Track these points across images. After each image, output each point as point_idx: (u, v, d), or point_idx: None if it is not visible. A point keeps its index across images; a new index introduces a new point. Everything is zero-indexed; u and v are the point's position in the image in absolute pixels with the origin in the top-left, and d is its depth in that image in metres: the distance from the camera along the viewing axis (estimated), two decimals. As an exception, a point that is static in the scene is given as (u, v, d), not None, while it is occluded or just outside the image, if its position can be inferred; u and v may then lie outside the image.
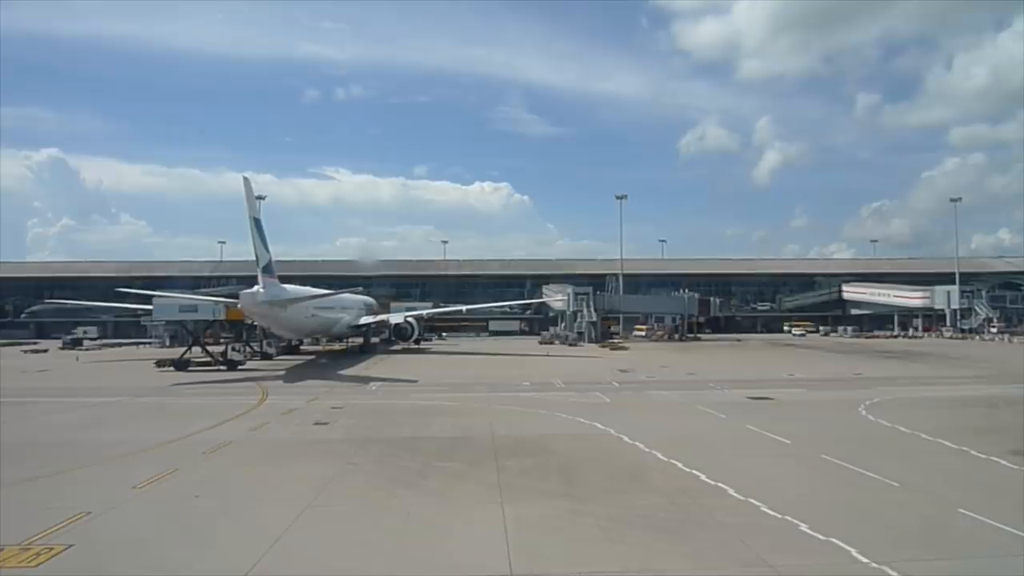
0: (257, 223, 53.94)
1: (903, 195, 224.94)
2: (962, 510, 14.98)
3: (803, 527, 13.90)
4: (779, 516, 14.64)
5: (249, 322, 58.05)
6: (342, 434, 25.64)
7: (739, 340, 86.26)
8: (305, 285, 65.93)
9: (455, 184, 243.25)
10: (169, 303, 56.14)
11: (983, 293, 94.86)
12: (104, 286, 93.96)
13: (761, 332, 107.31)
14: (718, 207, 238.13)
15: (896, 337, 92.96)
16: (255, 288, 52.45)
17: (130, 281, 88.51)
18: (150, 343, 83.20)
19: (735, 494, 16.41)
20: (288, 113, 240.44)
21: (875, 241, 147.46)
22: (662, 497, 16.49)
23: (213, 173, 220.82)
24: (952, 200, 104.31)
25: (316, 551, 13.11)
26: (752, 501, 15.76)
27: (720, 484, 17.26)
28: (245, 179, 55.14)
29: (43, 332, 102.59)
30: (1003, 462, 19.73)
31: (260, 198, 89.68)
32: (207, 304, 53.02)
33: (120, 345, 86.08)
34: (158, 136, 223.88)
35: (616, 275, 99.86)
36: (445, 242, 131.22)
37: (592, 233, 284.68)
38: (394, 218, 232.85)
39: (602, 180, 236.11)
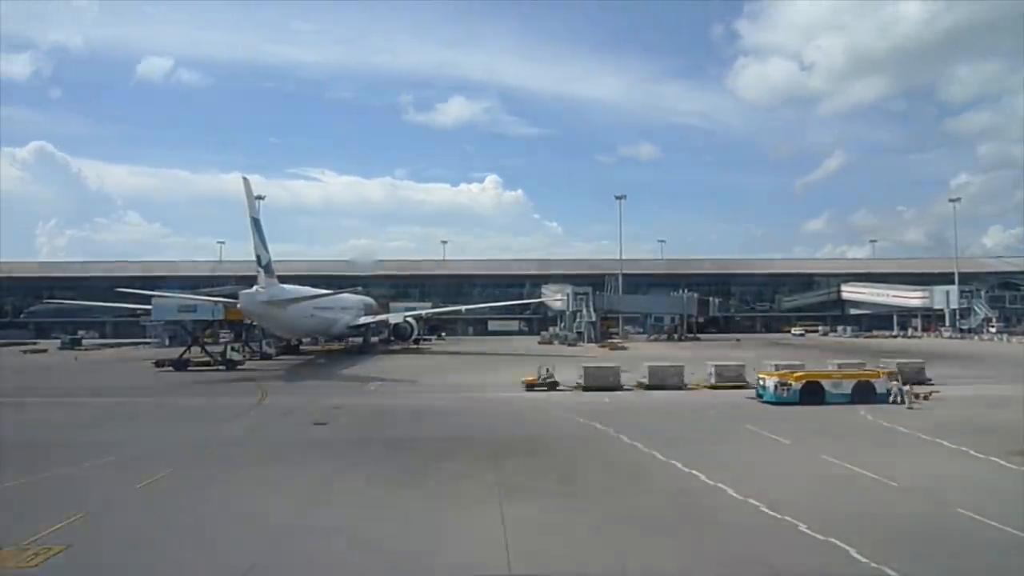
0: (256, 223, 53.97)
1: (922, 200, 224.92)
2: (961, 510, 15.00)
3: (802, 527, 13.90)
4: (778, 516, 14.64)
5: (248, 322, 58.05)
6: (342, 434, 25.64)
7: (738, 340, 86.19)
8: (305, 286, 65.92)
9: (443, 184, 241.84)
10: (168, 303, 56.10)
11: (982, 293, 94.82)
12: (104, 286, 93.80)
13: (761, 332, 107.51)
14: (724, 209, 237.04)
15: (896, 337, 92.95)
16: (255, 288, 52.48)
17: (129, 281, 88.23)
18: (148, 343, 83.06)
19: (734, 494, 16.41)
20: (270, 114, 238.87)
21: (874, 241, 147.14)
22: (661, 497, 16.51)
23: (202, 174, 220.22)
24: (951, 200, 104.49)
25: (316, 551, 13.11)
26: (751, 501, 15.76)
27: (720, 484, 17.26)
28: (244, 179, 55.26)
29: (43, 332, 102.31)
30: (1002, 462, 19.74)
31: (259, 198, 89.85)
32: (206, 304, 52.95)
33: (120, 345, 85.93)
34: (142, 138, 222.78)
35: (616, 275, 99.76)
36: (445, 242, 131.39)
37: (599, 234, 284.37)
38: (389, 219, 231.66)
39: (601, 180, 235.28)
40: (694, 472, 18.56)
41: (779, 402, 31.47)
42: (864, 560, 12.13)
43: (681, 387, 37.56)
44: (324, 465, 20.27)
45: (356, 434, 25.69)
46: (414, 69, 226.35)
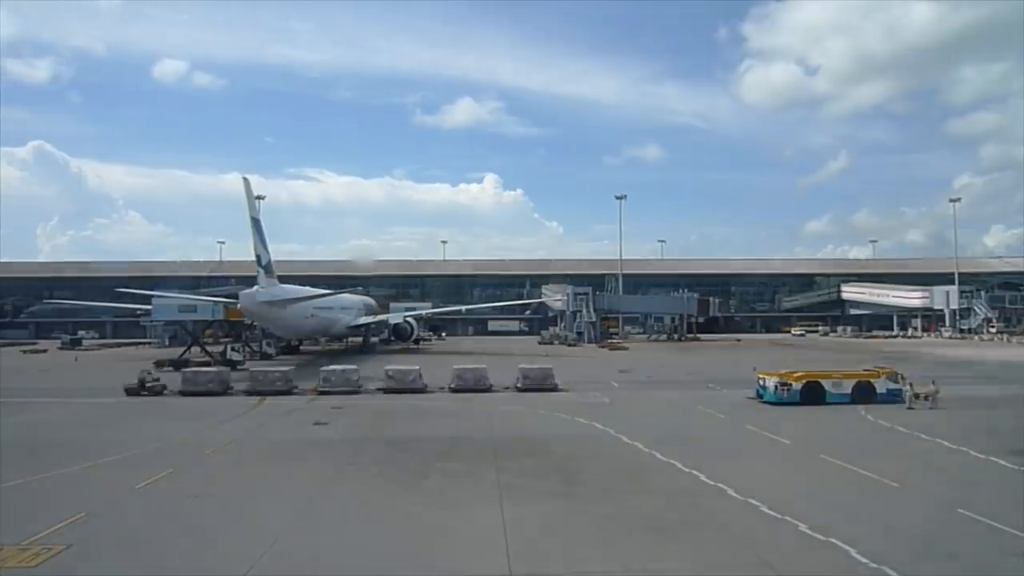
0: (257, 223, 54.08)
1: (924, 201, 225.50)
2: (961, 510, 14.99)
3: (802, 527, 13.91)
4: (779, 516, 14.64)
5: (249, 322, 58.09)
6: (342, 434, 25.62)
7: (739, 340, 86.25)
8: (305, 286, 65.99)
9: (442, 184, 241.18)
10: (168, 303, 56.14)
11: (982, 293, 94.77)
12: (104, 286, 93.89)
13: (761, 332, 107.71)
14: (727, 210, 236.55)
15: (895, 337, 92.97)
16: (255, 288, 52.56)
17: (129, 282, 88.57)
18: (149, 343, 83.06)
19: (735, 494, 16.41)
20: (268, 115, 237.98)
21: (874, 241, 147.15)
22: (662, 497, 16.50)
23: (202, 174, 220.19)
24: (951, 200, 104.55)
25: (315, 551, 13.11)
26: (752, 501, 15.76)
27: (720, 484, 17.27)
28: (245, 180, 55.39)
29: (43, 332, 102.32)
30: (1002, 462, 19.75)
31: (259, 198, 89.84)
32: (206, 304, 53.00)
33: (120, 345, 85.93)
34: (138, 138, 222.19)
35: (616, 275, 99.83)
36: (444, 242, 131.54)
37: (600, 234, 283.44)
38: (389, 219, 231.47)
39: (603, 180, 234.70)
40: (694, 472, 18.59)
41: (780, 402, 31.47)
42: (864, 560, 12.13)
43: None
44: (324, 465, 20.29)
45: (356, 434, 25.63)
46: (412, 70, 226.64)
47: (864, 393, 32.03)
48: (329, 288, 71.43)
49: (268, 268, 54.04)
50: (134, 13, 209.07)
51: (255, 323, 57.97)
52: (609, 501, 16.23)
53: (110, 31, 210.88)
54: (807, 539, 13.32)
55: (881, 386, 32.44)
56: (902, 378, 32.90)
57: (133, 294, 69.27)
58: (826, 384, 32.28)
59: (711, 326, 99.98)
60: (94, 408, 33.45)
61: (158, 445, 23.66)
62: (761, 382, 33.30)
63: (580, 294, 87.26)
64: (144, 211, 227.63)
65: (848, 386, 32.27)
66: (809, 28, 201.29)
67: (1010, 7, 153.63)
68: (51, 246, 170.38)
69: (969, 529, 13.99)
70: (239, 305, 51.36)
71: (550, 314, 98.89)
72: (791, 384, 31.98)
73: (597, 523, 14.55)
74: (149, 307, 59.63)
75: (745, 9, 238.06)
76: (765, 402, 32.20)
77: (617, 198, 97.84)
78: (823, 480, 18.30)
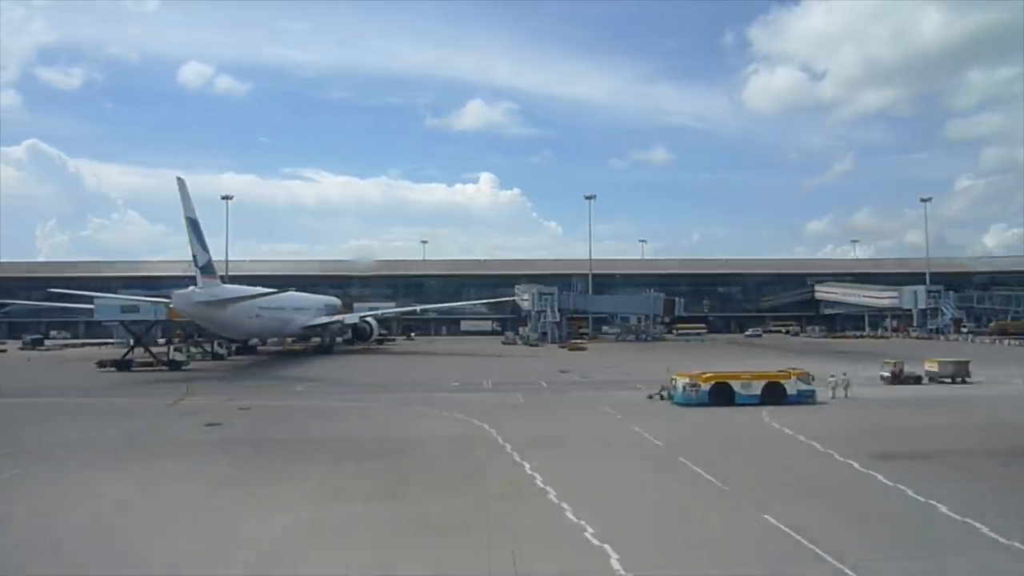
0: (193, 223, 53.66)
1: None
2: (767, 516, 14.67)
3: (588, 532, 13.65)
4: (575, 521, 14.39)
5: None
6: (224, 436, 25.42)
7: (702, 340, 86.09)
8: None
9: (439, 184, 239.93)
10: (111, 304, 55.83)
11: (951, 293, 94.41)
12: (91, 286, 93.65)
13: (736, 332, 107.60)
14: (726, 210, 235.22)
15: (862, 338, 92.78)
16: (190, 288, 52.26)
17: (109, 282, 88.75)
18: (113, 343, 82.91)
19: (553, 498, 16.15)
20: (264, 115, 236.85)
21: (856, 241, 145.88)
22: (477, 499, 16.28)
23: (197, 174, 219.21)
24: (922, 200, 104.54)
25: (78, 552, 13.10)
26: (563, 505, 15.51)
27: (548, 487, 17.03)
28: (179, 179, 54.91)
29: (16, 332, 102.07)
30: (856, 465, 19.41)
31: (227, 198, 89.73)
32: (148, 305, 52.66)
33: (84, 345, 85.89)
34: (134, 138, 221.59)
35: (585, 275, 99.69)
36: (424, 242, 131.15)
37: (601, 233, 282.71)
38: (386, 219, 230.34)
39: (604, 181, 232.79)
40: (534, 475, 18.36)
41: (688, 403, 31.24)
42: (618, 568, 11.90)
43: None
44: (174, 466, 20.19)
45: (239, 435, 25.52)
46: (407, 70, 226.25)
47: (773, 394, 31.79)
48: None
49: (207, 268, 53.68)
50: (128, 12, 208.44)
51: (197, 323, 57.63)
52: (425, 504, 16.02)
53: (104, 31, 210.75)
54: (580, 544, 13.01)
55: (792, 387, 32.22)
56: (812, 379, 32.76)
57: (72, 295, 68.94)
58: (735, 385, 32.04)
59: (683, 326, 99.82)
60: (11, 408, 33.38)
61: (35, 445, 23.78)
62: (672, 383, 33.09)
63: (545, 294, 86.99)
64: (143, 211, 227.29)
65: (758, 387, 32.01)
66: (816, 33, 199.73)
67: (1015, 10, 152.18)
68: (50, 245, 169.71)
69: (757, 537, 13.66)
70: (172, 305, 51.09)
71: (522, 314, 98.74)
72: (699, 385, 31.76)
73: (393, 526, 14.36)
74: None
75: (752, 14, 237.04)
76: (675, 403, 31.99)
77: (586, 198, 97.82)
78: (657, 484, 18.06)
